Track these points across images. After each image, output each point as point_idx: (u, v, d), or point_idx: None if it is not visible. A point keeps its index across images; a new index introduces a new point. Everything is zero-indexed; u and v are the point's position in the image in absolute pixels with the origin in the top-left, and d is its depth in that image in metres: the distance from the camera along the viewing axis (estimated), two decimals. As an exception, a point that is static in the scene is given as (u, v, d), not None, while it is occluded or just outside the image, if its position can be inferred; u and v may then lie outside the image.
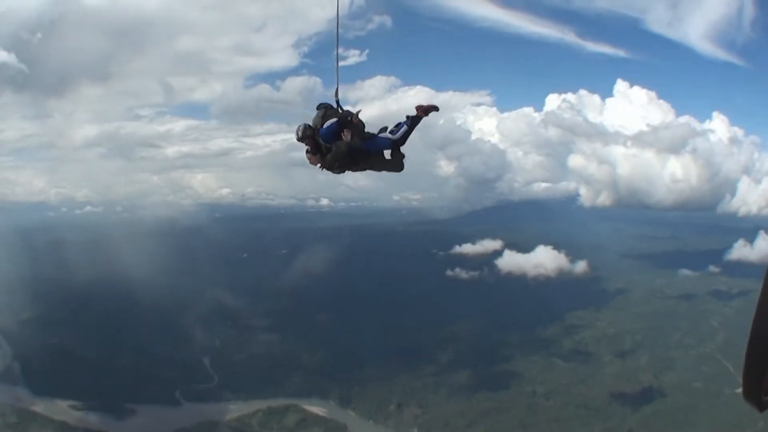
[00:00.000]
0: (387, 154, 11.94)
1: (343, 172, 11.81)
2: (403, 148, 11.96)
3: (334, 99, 11.88)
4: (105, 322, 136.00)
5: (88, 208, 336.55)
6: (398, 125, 11.94)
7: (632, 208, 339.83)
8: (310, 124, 11.77)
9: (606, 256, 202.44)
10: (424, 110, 11.86)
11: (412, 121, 11.80)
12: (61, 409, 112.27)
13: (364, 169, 11.99)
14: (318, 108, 11.99)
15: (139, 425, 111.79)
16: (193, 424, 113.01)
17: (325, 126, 11.48)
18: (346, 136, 11.40)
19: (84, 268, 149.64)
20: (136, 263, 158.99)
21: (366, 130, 11.81)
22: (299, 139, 11.73)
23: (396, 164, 11.92)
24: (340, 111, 11.74)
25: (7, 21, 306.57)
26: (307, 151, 11.80)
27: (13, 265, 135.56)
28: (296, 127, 11.73)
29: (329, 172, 11.80)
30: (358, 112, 11.74)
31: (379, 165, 11.90)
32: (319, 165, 11.73)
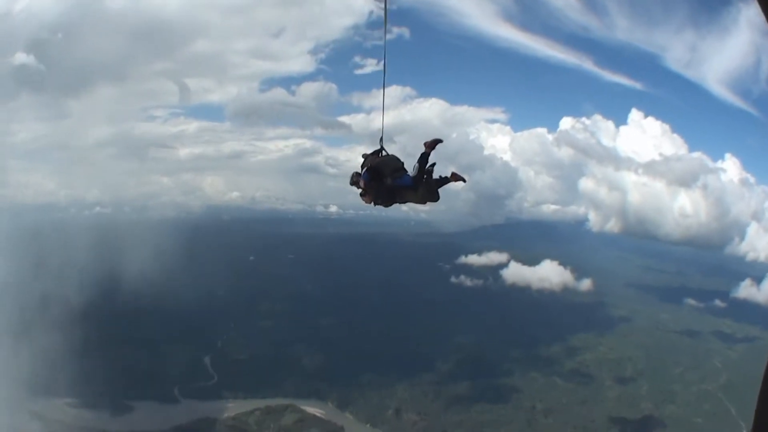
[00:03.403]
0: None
1: (390, 205, 13.15)
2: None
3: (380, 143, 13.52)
4: (109, 320, 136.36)
5: (97, 208, 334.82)
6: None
7: (640, 238, 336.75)
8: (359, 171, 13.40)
9: (611, 283, 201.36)
10: (429, 145, 12.78)
11: (421, 157, 12.73)
12: (58, 407, 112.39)
13: (405, 202, 13.21)
14: (362, 156, 13.60)
15: (136, 422, 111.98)
16: (191, 421, 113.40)
17: (363, 173, 13.08)
18: (363, 180, 12.95)
19: (91, 268, 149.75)
20: (143, 263, 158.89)
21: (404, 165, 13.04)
22: (351, 184, 13.41)
23: (426, 196, 12.99)
24: (382, 155, 13.32)
25: (29, 22, 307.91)
26: (360, 194, 13.24)
27: (20, 265, 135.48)
28: (351, 173, 13.49)
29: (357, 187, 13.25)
30: (375, 154, 13.35)
31: (414, 198, 13.00)
32: (372, 203, 13.14)
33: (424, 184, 12.84)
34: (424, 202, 13.12)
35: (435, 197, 13.08)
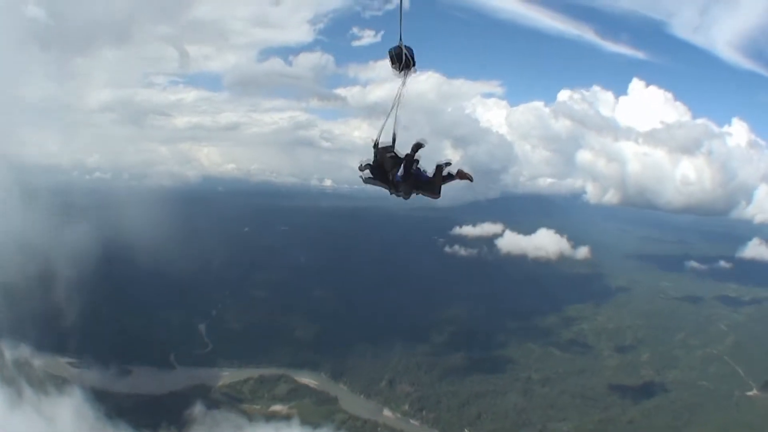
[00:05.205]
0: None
1: (408, 196, 15.08)
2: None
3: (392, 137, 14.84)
4: (107, 284, 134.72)
5: (97, 173, 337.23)
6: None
7: (639, 208, 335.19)
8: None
9: (609, 254, 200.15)
10: (413, 149, 14.50)
11: (405, 158, 14.55)
12: (59, 365, 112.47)
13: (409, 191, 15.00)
14: (373, 147, 15.07)
15: (133, 385, 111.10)
16: (186, 388, 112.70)
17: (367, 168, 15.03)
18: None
19: (90, 231, 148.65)
20: (140, 230, 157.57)
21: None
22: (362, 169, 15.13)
23: (418, 190, 14.88)
24: (390, 147, 14.65)
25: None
26: None
27: (23, 223, 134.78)
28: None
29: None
30: (368, 159, 14.84)
31: (401, 190, 14.87)
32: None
33: (426, 183, 14.51)
34: (407, 197, 15.04)
35: (436, 194, 14.85)
